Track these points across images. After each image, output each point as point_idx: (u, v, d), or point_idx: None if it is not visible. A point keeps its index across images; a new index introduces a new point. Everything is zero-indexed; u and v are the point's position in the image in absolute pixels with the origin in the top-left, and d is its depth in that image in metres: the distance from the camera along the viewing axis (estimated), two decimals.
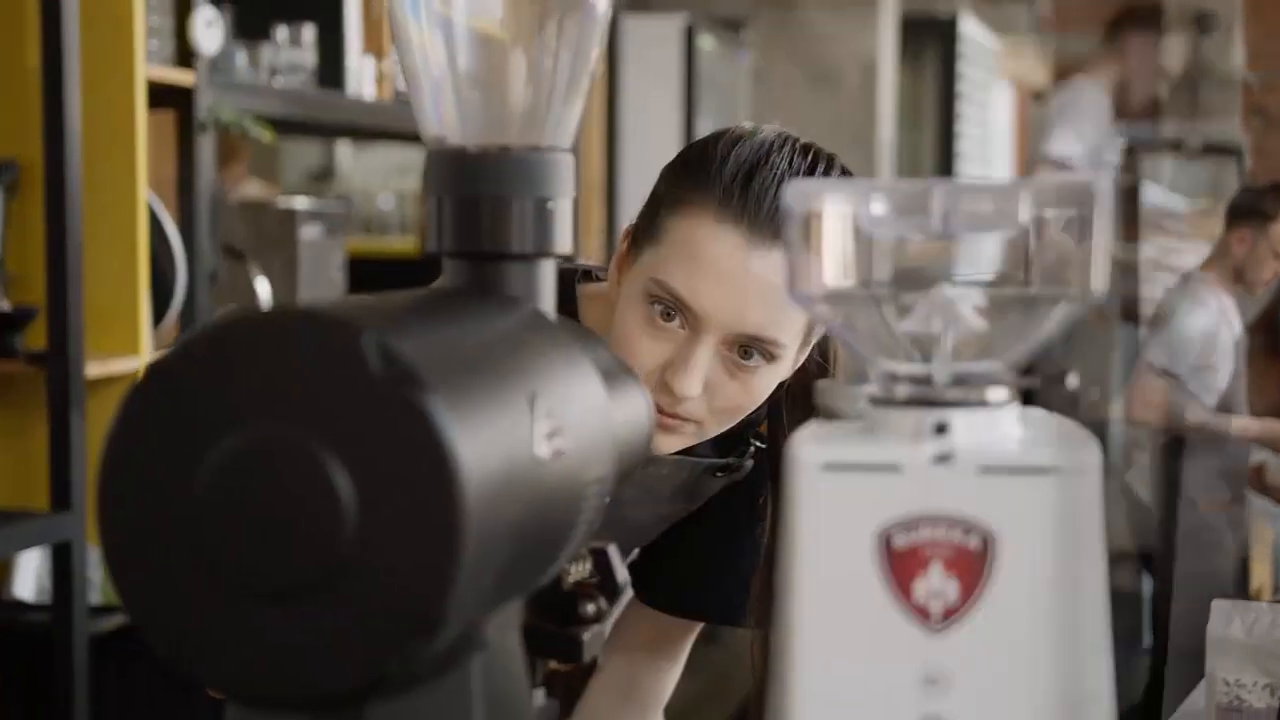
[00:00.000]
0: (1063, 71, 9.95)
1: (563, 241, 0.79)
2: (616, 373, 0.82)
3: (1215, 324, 4.40)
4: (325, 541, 0.59)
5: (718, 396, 1.27)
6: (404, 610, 0.59)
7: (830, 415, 0.75)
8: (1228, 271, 4.44)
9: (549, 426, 0.68)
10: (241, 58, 2.97)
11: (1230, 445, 4.40)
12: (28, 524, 2.41)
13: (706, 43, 4.97)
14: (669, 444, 1.31)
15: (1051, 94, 4.67)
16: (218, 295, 2.85)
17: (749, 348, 1.26)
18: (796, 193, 0.68)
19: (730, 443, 1.45)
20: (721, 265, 1.23)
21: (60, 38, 2.37)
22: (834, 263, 0.69)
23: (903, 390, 0.68)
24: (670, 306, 1.25)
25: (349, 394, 0.59)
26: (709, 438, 1.33)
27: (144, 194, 2.52)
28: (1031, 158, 4.60)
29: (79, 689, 2.45)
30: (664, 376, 1.26)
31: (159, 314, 2.62)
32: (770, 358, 1.26)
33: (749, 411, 1.31)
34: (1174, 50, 4.54)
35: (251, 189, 4.28)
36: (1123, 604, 4.64)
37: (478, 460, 0.60)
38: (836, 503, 0.66)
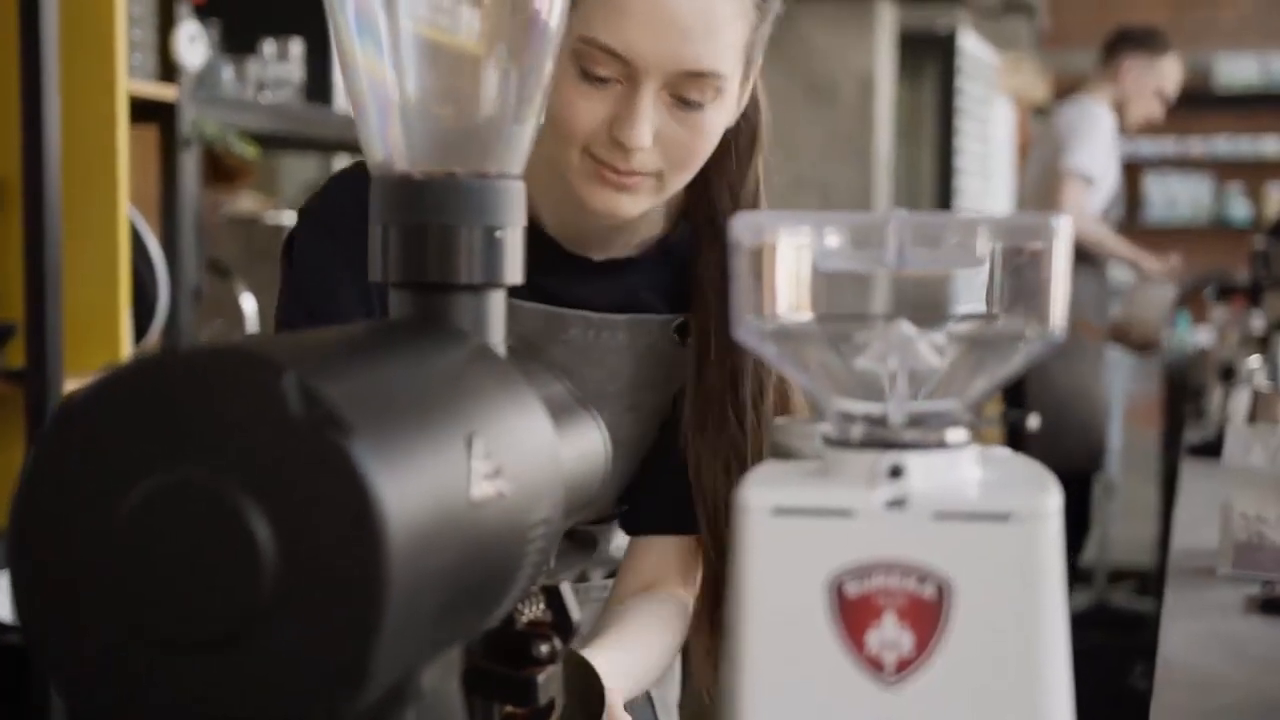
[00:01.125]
0: (1063, 86, 9.95)
1: (513, 271, 0.76)
2: (568, 407, 0.80)
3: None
4: (244, 590, 0.56)
5: (670, 145, 1.26)
6: (327, 663, 0.57)
7: (786, 454, 0.72)
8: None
9: (488, 467, 0.65)
10: (228, 72, 2.94)
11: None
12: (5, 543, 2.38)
13: None
14: (633, 204, 1.28)
15: (1055, 109, 4.63)
16: (202, 312, 2.82)
17: (689, 93, 1.24)
18: (746, 225, 0.66)
19: (684, 297, 1.41)
20: (645, 4, 1.21)
21: (40, 51, 2.34)
22: (786, 297, 0.66)
23: (858, 431, 0.66)
24: (601, 65, 1.23)
25: (269, 436, 0.56)
26: (672, 193, 1.30)
27: (125, 210, 2.50)
28: (1039, 172, 4.53)
29: (55, 709, 2.42)
30: (612, 134, 1.24)
31: (141, 331, 2.59)
32: (715, 93, 1.25)
33: (705, 156, 1.28)
34: (1172, 72, 4.51)
35: (246, 203, 4.25)
36: None
37: (405, 505, 0.57)
38: (786, 549, 0.64)
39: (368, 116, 0.77)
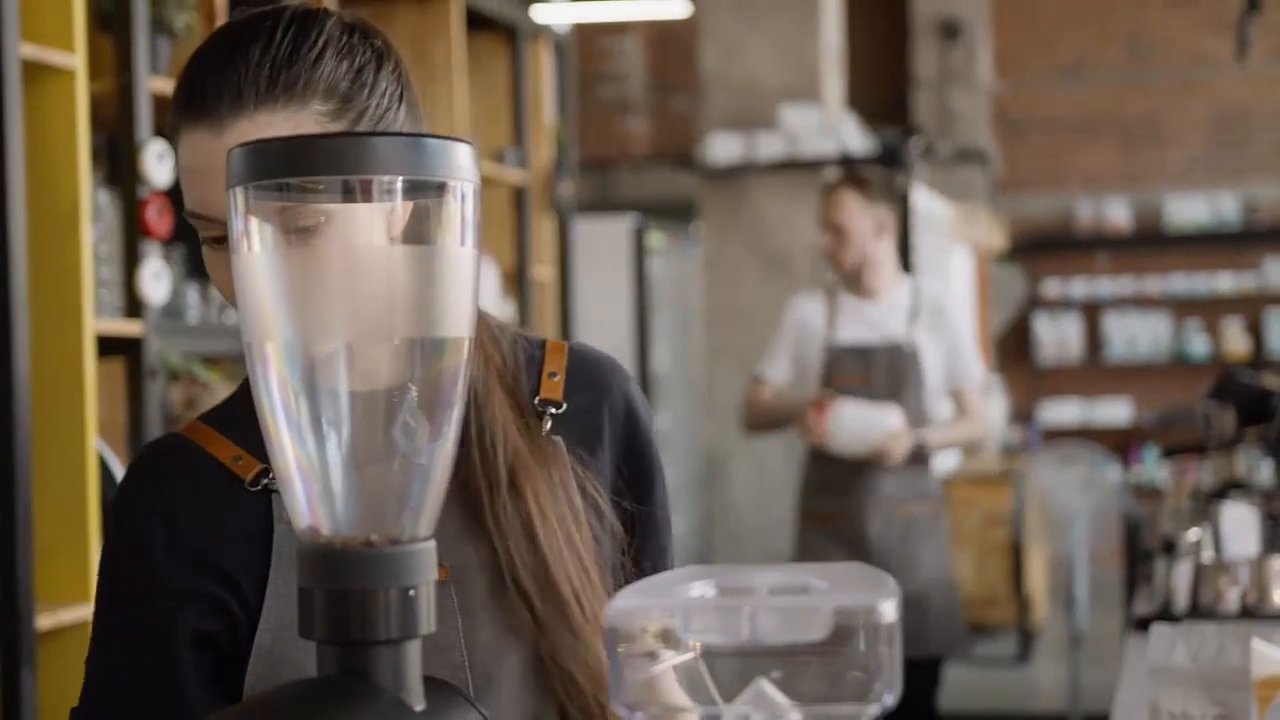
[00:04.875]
0: (1019, 231, 10.15)
1: (427, 623, 0.86)
2: None
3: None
4: None
5: None
6: None
7: None
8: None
9: None
10: (193, 295, 3.05)
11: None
12: None
13: (656, 240, 5.10)
14: None
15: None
16: None
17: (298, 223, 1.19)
18: (619, 611, 0.75)
19: None
20: (205, 165, 1.21)
21: (9, 291, 2.45)
22: (655, 672, 0.75)
23: None
24: (205, 229, 1.23)
25: None
26: None
27: (93, 445, 2.58)
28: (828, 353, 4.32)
29: None
30: None
31: None
32: (325, 216, 1.17)
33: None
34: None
35: (223, 393, 4.34)
36: None
37: None
38: None
39: (293, 489, 0.87)
